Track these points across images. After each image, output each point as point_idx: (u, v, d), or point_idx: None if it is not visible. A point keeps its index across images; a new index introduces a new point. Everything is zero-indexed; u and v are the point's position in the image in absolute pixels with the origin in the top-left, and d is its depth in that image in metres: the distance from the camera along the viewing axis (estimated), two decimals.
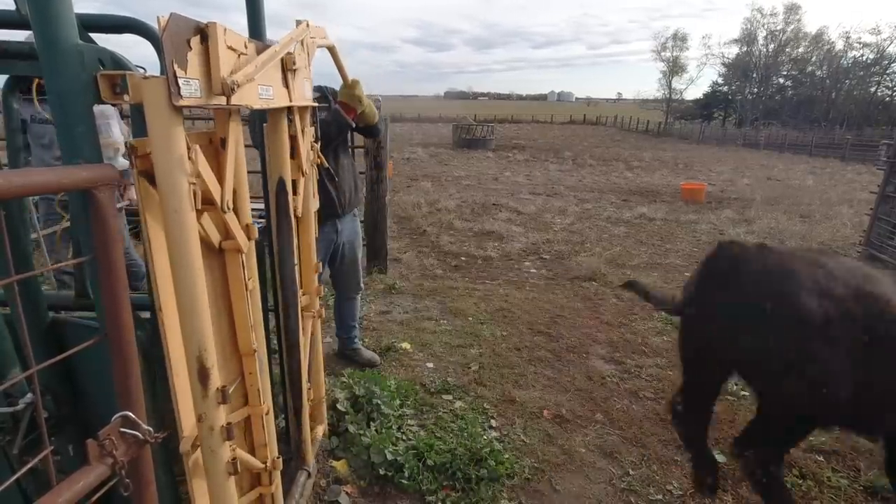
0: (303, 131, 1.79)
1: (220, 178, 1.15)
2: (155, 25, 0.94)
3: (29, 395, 0.97)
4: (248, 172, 1.35)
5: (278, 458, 1.52)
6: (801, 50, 47.45)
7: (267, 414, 1.45)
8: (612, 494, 2.26)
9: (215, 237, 1.16)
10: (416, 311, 4.17)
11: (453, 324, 3.93)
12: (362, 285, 3.16)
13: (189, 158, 0.98)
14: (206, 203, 1.11)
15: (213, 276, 1.23)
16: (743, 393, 3.04)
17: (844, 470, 2.42)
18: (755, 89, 49.58)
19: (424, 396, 2.89)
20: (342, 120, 2.45)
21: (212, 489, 1.21)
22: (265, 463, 1.43)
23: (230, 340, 1.32)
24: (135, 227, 3.19)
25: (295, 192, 1.75)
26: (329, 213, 2.68)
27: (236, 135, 1.23)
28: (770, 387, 1.83)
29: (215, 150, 1.20)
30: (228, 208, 1.17)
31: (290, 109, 1.65)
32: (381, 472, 2.25)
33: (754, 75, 49.32)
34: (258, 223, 1.40)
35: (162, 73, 0.92)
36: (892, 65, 40.69)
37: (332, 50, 2.07)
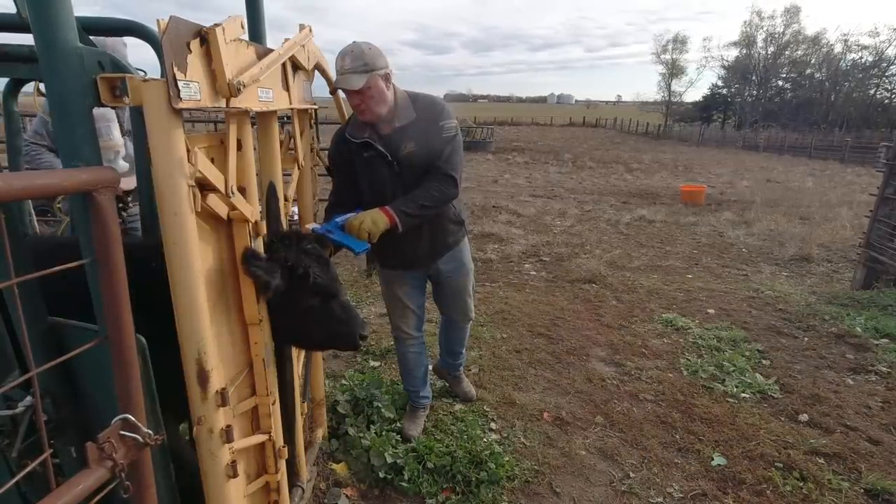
0: (301, 133, 1.79)
1: (224, 171, 1.15)
2: (155, 28, 0.94)
3: (28, 398, 0.97)
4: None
5: (284, 446, 1.52)
6: (799, 52, 47.61)
7: (274, 404, 1.45)
8: (613, 497, 2.26)
9: (223, 210, 1.16)
10: None
11: None
12: (471, 314, 2.68)
13: (189, 161, 0.98)
14: (211, 189, 1.12)
15: (221, 247, 1.24)
16: (743, 395, 3.04)
17: (845, 472, 2.42)
18: (754, 92, 49.71)
19: None
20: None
21: (210, 492, 1.21)
22: (271, 440, 1.44)
23: (238, 317, 1.33)
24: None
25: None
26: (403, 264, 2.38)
27: (243, 135, 1.24)
28: None
29: (224, 150, 1.20)
30: (233, 193, 1.17)
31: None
32: (382, 474, 2.24)
33: (753, 78, 49.46)
34: None
35: (162, 75, 0.92)
36: (891, 67, 40.80)
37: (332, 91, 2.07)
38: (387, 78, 1.99)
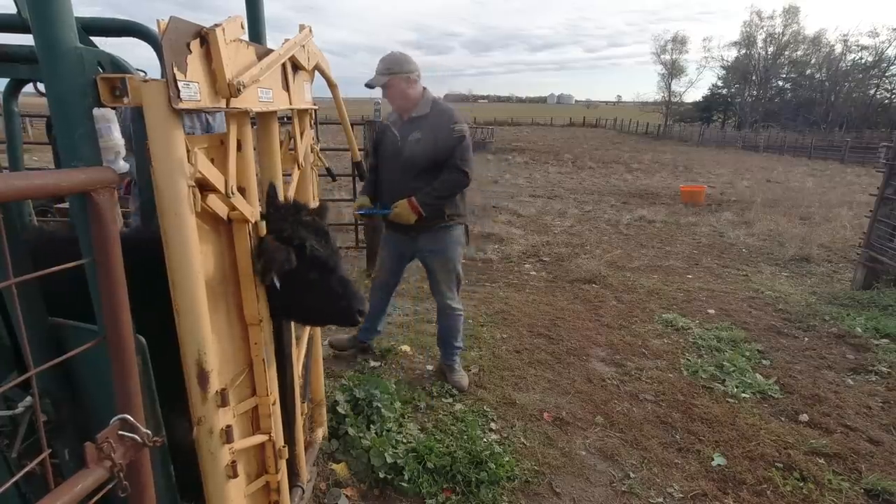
0: (301, 133, 1.79)
1: (224, 172, 1.15)
2: (155, 29, 0.94)
3: (28, 399, 0.97)
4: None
5: (284, 446, 1.52)
6: (799, 53, 47.57)
7: (274, 404, 1.45)
8: (613, 497, 2.26)
9: (222, 210, 1.16)
10: (415, 313, 4.16)
11: None
12: (450, 302, 2.98)
13: (189, 161, 0.98)
14: (211, 190, 1.12)
15: (221, 247, 1.25)
16: (743, 395, 3.04)
17: (845, 472, 2.42)
18: (754, 92, 49.63)
19: (424, 399, 2.89)
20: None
21: (210, 492, 1.21)
22: (271, 440, 1.44)
23: (238, 317, 1.33)
24: None
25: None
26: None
27: (242, 135, 1.24)
28: None
29: (224, 150, 1.20)
30: (233, 193, 1.17)
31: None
32: (382, 474, 2.24)
33: (754, 78, 49.39)
34: None
35: (162, 76, 0.92)
36: (891, 67, 40.77)
37: (332, 89, 2.07)
38: (408, 80, 2.56)
